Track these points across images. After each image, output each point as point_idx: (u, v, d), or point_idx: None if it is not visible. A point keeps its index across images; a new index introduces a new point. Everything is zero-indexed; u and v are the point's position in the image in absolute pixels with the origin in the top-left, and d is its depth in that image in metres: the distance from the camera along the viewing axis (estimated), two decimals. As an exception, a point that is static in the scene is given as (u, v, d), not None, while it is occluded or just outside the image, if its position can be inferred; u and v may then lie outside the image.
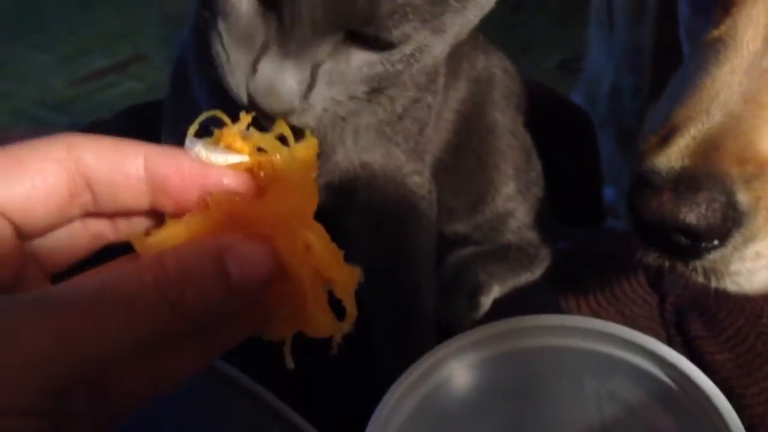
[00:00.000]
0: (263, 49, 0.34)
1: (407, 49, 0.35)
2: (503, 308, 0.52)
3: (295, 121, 0.35)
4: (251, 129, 0.30)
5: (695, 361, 0.56)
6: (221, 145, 0.30)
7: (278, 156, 0.29)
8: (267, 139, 0.30)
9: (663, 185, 0.39)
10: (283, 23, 0.33)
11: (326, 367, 0.37)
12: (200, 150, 0.29)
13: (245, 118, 0.30)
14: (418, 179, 0.47)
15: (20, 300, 0.24)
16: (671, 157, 0.39)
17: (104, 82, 1.77)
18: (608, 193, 1.14)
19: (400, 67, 0.36)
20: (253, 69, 0.34)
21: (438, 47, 0.37)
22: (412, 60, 0.36)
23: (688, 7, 0.51)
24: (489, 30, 0.56)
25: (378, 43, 0.35)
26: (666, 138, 0.41)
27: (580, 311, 0.60)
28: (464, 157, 0.52)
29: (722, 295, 0.58)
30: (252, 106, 0.34)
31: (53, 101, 1.70)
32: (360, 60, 0.35)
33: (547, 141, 0.61)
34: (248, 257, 0.27)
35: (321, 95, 0.35)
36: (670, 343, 0.59)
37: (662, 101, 0.47)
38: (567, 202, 0.72)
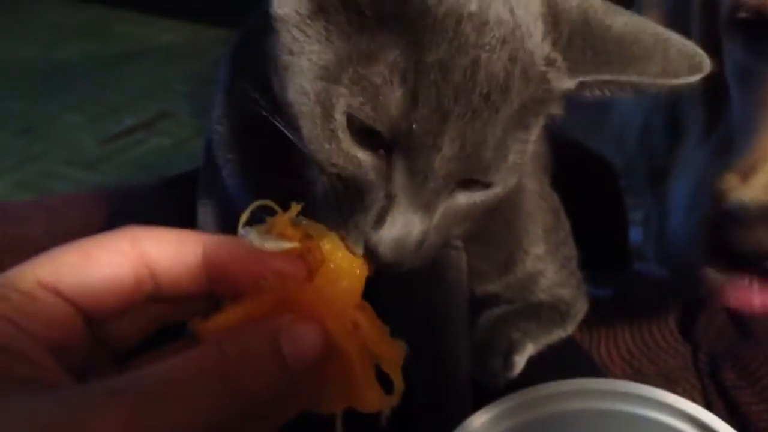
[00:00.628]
0: (389, 202, 0.33)
1: (501, 185, 0.36)
2: (537, 366, 0.52)
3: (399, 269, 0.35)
4: (300, 217, 0.32)
5: (732, 412, 0.56)
6: (273, 232, 0.31)
7: (326, 242, 0.31)
8: (315, 226, 0.32)
9: (755, 219, 0.42)
10: (414, 176, 0.33)
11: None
12: (254, 238, 0.31)
13: (295, 208, 0.32)
14: (446, 248, 0.47)
15: (90, 388, 0.26)
16: (757, 193, 0.43)
17: (133, 140, 1.82)
18: (634, 234, 1.13)
19: (492, 199, 0.37)
20: (380, 221, 0.33)
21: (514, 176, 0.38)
22: (500, 192, 0.37)
23: (741, 48, 0.53)
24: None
25: (482, 184, 0.36)
26: (748, 175, 0.44)
27: (611, 361, 0.60)
28: (492, 222, 0.52)
29: (756, 344, 0.58)
30: (368, 255, 0.34)
31: (83, 160, 1.74)
32: (464, 200, 0.36)
33: (571, 190, 0.61)
34: (301, 338, 0.28)
35: (432, 241, 0.35)
36: (705, 393, 0.58)
37: (717, 138, 0.50)
38: (593, 248, 0.73)
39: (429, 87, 0.32)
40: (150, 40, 2.38)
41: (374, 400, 0.30)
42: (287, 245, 0.31)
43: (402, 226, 0.33)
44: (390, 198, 0.33)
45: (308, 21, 0.33)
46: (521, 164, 0.36)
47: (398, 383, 0.30)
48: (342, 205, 0.34)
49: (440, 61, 0.32)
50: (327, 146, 0.33)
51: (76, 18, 2.56)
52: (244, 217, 0.32)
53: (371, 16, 0.32)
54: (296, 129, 0.34)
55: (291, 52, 0.33)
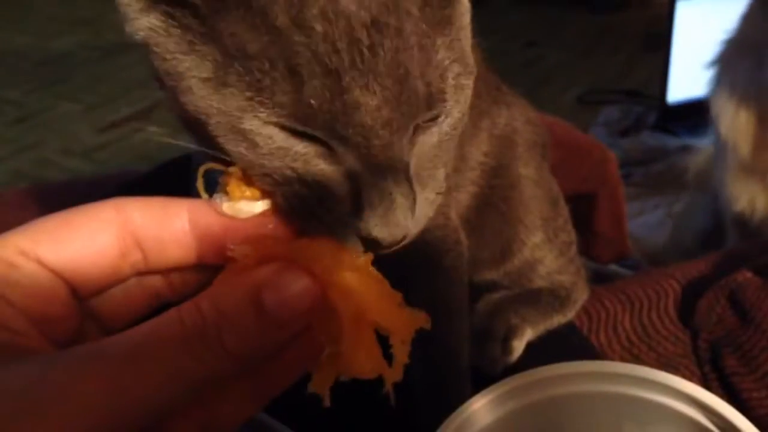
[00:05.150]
0: (355, 183, 0.29)
1: (455, 111, 0.31)
2: (536, 351, 0.52)
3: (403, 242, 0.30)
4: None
5: (732, 399, 0.56)
6: (230, 194, 0.30)
7: None
8: None
9: None
10: (357, 143, 0.28)
11: (368, 418, 0.37)
12: (226, 205, 0.30)
13: (235, 171, 0.30)
14: (442, 233, 0.46)
15: (72, 352, 0.25)
16: None
17: (128, 129, 1.81)
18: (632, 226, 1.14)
19: (452, 132, 0.32)
20: (358, 207, 0.28)
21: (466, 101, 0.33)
22: (459, 122, 0.32)
23: None
24: (507, 65, 0.57)
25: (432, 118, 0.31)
26: None
27: (611, 349, 0.60)
28: (488, 214, 0.52)
29: (756, 331, 0.58)
30: (368, 247, 0.30)
31: (79, 149, 1.73)
32: (427, 142, 0.31)
33: (570, 179, 0.61)
34: (285, 287, 0.27)
35: (420, 203, 0.30)
36: (705, 380, 0.58)
37: None
38: (591, 238, 0.72)
39: (302, 54, 0.27)
40: (146, 30, 2.37)
41: (365, 366, 0.28)
42: (261, 206, 0.30)
43: (380, 200, 0.28)
44: (353, 179, 0.29)
45: (166, 33, 0.29)
46: (460, 73, 0.31)
47: (399, 356, 0.29)
48: (312, 210, 0.29)
49: (292, 19, 0.27)
50: (261, 158, 0.29)
51: (72, 8, 2.55)
52: (199, 184, 0.30)
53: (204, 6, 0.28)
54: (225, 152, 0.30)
55: (168, 74, 0.29)
